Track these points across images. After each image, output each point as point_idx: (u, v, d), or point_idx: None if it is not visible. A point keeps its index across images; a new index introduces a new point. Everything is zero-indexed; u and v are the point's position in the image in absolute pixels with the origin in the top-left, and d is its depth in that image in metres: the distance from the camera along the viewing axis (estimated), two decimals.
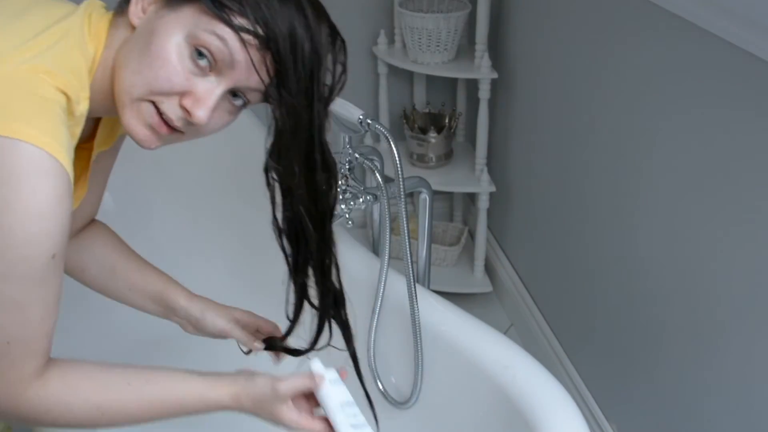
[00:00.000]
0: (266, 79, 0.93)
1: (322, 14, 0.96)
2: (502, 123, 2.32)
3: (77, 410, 0.95)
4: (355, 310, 1.70)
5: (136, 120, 0.94)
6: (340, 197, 1.58)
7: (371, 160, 1.59)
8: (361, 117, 1.44)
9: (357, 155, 1.59)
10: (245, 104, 0.98)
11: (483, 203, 2.33)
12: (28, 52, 0.88)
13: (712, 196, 1.39)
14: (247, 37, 0.91)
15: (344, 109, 1.47)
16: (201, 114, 0.93)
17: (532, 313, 2.25)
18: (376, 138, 2.44)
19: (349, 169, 1.60)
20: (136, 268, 1.27)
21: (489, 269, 2.49)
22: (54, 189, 0.85)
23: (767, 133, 1.23)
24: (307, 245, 1.03)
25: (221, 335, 1.26)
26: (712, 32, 1.30)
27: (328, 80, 0.98)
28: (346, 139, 1.57)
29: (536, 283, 2.26)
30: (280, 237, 1.04)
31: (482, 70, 2.18)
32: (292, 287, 1.10)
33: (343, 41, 0.99)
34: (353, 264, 1.75)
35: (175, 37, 0.91)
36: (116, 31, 0.97)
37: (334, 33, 0.98)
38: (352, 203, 1.56)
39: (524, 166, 2.23)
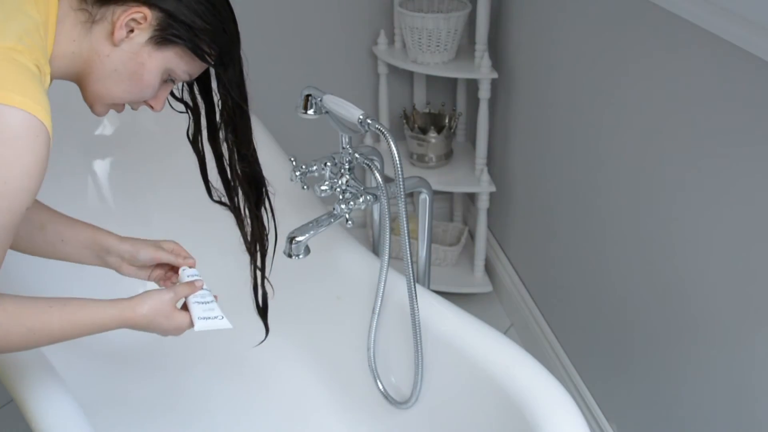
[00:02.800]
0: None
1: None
2: (502, 123, 2.32)
3: (14, 334, 1.11)
4: (355, 310, 1.71)
5: (104, 108, 1.20)
6: (340, 197, 1.58)
7: (371, 160, 1.59)
8: (361, 117, 1.44)
9: (357, 155, 1.59)
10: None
11: (483, 203, 2.33)
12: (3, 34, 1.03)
13: (713, 196, 1.39)
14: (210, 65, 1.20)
15: (344, 109, 1.47)
16: (159, 109, 1.23)
17: (531, 313, 2.25)
18: (376, 138, 2.44)
19: (349, 169, 1.60)
20: (64, 221, 1.37)
21: (489, 269, 2.49)
22: (42, 151, 1.01)
23: (767, 132, 1.23)
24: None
25: (153, 262, 1.37)
26: (712, 32, 1.30)
27: None
28: (346, 139, 1.57)
29: (536, 283, 2.26)
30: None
31: (482, 70, 2.18)
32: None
33: None
34: (353, 264, 1.75)
35: (160, 70, 1.17)
36: (81, 24, 1.12)
37: None
38: (352, 203, 1.56)
39: (524, 166, 2.23)
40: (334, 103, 1.50)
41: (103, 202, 2.02)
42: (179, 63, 1.17)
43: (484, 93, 2.20)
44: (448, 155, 2.40)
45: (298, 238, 1.51)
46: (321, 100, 1.53)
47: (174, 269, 1.38)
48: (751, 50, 1.21)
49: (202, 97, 1.29)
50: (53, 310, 1.13)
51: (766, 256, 1.28)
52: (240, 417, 1.76)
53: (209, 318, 1.24)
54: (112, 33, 1.12)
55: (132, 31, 1.13)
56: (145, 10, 1.11)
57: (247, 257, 1.39)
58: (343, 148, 1.58)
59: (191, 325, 1.24)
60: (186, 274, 1.32)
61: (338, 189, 1.60)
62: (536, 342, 2.20)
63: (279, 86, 2.33)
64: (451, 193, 2.67)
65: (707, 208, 1.41)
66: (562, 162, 1.97)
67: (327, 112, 1.53)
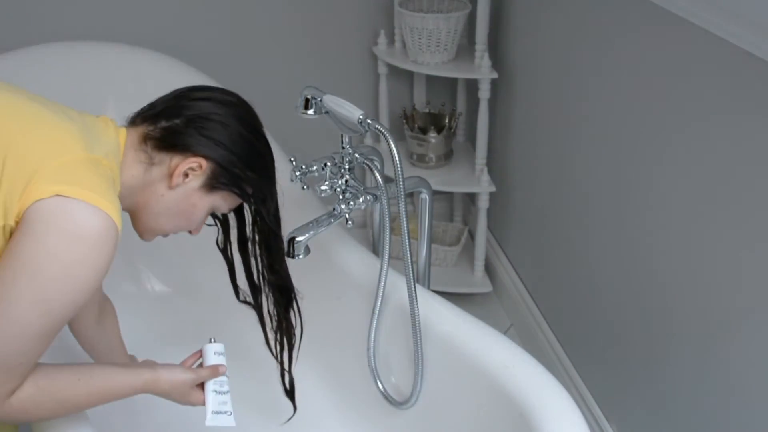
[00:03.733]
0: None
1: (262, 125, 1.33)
2: (502, 123, 2.32)
3: (44, 408, 1.17)
4: (355, 310, 1.71)
5: (151, 236, 1.31)
6: (340, 197, 1.58)
7: (371, 160, 1.59)
8: (361, 117, 1.44)
9: (357, 155, 1.59)
10: None
11: (483, 203, 2.33)
12: (89, 147, 1.14)
13: (713, 196, 1.39)
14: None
15: (344, 109, 1.47)
16: (196, 234, 1.34)
17: (531, 313, 2.25)
18: (376, 138, 2.44)
19: (349, 169, 1.60)
20: (111, 337, 1.53)
21: (489, 269, 2.49)
22: (113, 252, 1.09)
23: (766, 132, 1.23)
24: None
25: None
26: (712, 32, 1.30)
27: None
28: (346, 139, 1.57)
29: (536, 283, 2.26)
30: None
31: (482, 70, 2.18)
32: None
33: None
34: (353, 264, 1.75)
35: (207, 210, 1.29)
36: (140, 163, 1.23)
37: None
38: (352, 203, 1.56)
39: (524, 166, 2.23)
40: (334, 103, 1.50)
41: None
42: (224, 202, 1.29)
43: (484, 93, 2.20)
44: (448, 155, 2.40)
45: (298, 238, 1.51)
46: (321, 100, 1.53)
47: None
48: (750, 50, 1.22)
49: (235, 213, 1.40)
50: (81, 383, 1.20)
51: (764, 257, 1.28)
52: (240, 417, 1.76)
53: (221, 413, 1.33)
54: (169, 177, 1.23)
55: (187, 176, 1.23)
56: (201, 160, 1.23)
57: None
58: (343, 148, 1.58)
59: (202, 404, 1.32)
60: (212, 350, 1.36)
61: (338, 189, 1.60)
62: (536, 342, 2.20)
63: (279, 86, 2.33)
64: (451, 193, 2.67)
65: (707, 208, 1.41)
66: (562, 162, 1.97)
67: (327, 112, 1.53)
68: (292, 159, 1.62)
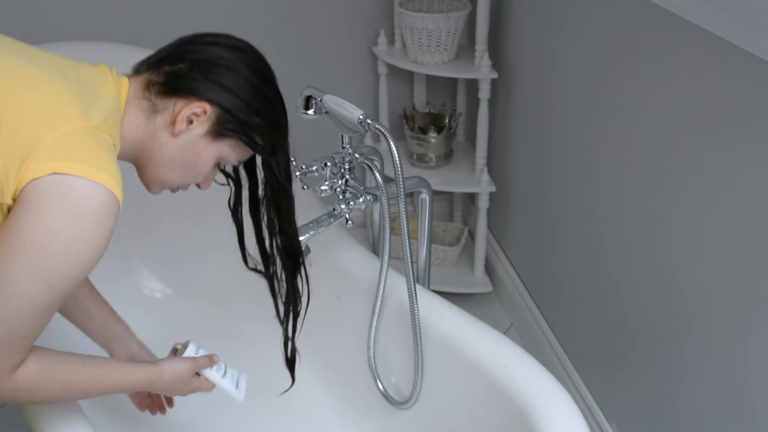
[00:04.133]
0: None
1: (275, 75, 1.29)
2: (502, 123, 2.32)
3: (49, 390, 1.16)
4: (355, 310, 1.71)
5: (160, 189, 1.27)
6: (340, 197, 1.58)
7: (371, 160, 1.59)
8: (361, 117, 1.44)
9: (357, 155, 1.59)
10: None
11: (483, 203, 2.33)
12: (87, 112, 1.10)
13: (713, 196, 1.39)
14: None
15: (344, 109, 1.47)
16: (206, 188, 1.29)
17: (532, 313, 2.25)
18: (376, 138, 2.44)
19: (349, 169, 1.60)
20: (94, 297, 1.47)
21: (489, 269, 2.49)
22: (113, 226, 1.07)
23: (766, 132, 1.23)
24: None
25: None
26: (712, 32, 1.30)
27: None
28: (346, 139, 1.57)
29: (536, 283, 2.26)
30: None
31: (482, 70, 2.18)
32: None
33: None
34: (353, 264, 1.75)
35: (214, 159, 1.23)
36: (143, 112, 1.19)
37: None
38: (352, 203, 1.56)
39: (524, 166, 2.23)
40: (334, 103, 1.50)
41: None
42: (232, 152, 1.23)
43: (484, 93, 2.20)
44: (448, 155, 2.40)
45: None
46: (321, 100, 1.53)
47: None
48: (751, 50, 1.22)
49: (246, 173, 1.35)
50: (86, 370, 1.20)
51: (764, 256, 1.28)
52: (239, 416, 1.76)
53: (239, 387, 1.40)
54: (172, 124, 1.18)
55: (191, 122, 1.18)
56: (206, 105, 1.17)
57: (250, 258, 1.43)
58: (343, 148, 1.58)
59: (208, 389, 1.36)
60: (192, 351, 1.37)
61: (338, 189, 1.60)
62: (536, 342, 2.20)
63: (279, 86, 2.32)
64: (451, 193, 2.67)
65: (707, 208, 1.41)
66: (562, 162, 1.97)
67: (327, 112, 1.53)
68: (292, 159, 1.61)
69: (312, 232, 1.53)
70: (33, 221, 1.03)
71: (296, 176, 1.60)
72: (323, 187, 1.59)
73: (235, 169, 1.35)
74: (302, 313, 1.44)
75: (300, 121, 1.68)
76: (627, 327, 1.75)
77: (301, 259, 1.40)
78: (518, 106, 2.22)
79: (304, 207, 1.80)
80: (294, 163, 1.61)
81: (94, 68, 1.20)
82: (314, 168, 1.60)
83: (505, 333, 2.13)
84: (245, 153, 1.25)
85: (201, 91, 1.17)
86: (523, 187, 2.26)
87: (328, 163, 1.60)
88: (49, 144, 1.04)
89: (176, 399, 1.45)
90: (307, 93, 1.55)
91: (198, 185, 1.28)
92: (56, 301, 1.08)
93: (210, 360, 1.35)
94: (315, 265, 1.69)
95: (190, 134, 1.19)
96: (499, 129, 2.35)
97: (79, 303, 1.44)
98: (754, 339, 1.34)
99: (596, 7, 1.71)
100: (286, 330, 1.43)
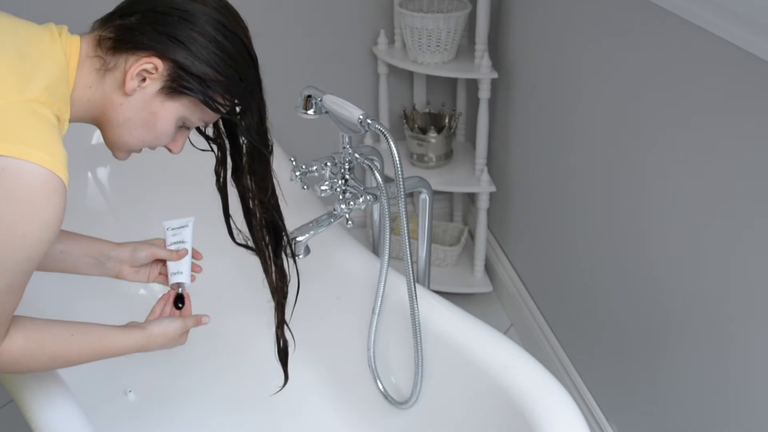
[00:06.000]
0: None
1: (245, 28, 1.22)
2: (502, 123, 2.32)
3: (36, 360, 1.16)
4: (355, 310, 1.71)
5: (125, 154, 1.20)
6: (340, 197, 1.58)
7: (371, 160, 1.59)
8: (361, 117, 1.44)
9: (357, 155, 1.59)
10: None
11: (483, 203, 2.33)
12: (23, 84, 1.02)
13: (712, 196, 1.39)
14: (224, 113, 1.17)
15: (344, 109, 1.47)
16: (177, 152, 1.23)
17: (532, 313, 2.25)
18: (376, 138, 2.44)
19: (349, 169, 1.60)
20: (63, 234, 1.38)
21: (489, 269, 2.49)
22: (59, 204, 1.01)
23: (766, 132, 1.23)
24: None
25: (151, 258, 1.42)
26: (712, 32, 1.30)
27: None
28: (346, 139, 1.57)
29: (536, 283, 2.26)
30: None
31: (482, 70, 2.18)
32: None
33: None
34: (353, 264, 1.75)
35: (173, 119, 1.15)
36: (96, 71, 1.12)
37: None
38: (352, 203, 1.56)
39: (524, 166, 2.23)
40: (334, 103, 1.50)
41: (104, 205, 2.02)
42: (192, 112, 1.16)
43: (484, 93, 2.20)
44: (448, 155, 2.40)
45: (298, 238, 1.51)
46: (321, 100, 1.53)
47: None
48: (751, 50, 1.22)
49: (227, 136, 1.27)
50: (74, 339, 1.18)
51: (763, 257, 1.28)
52: (240, 416, 1.76)
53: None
54: (123, 82, 1.11)
55: (144, 80, 1.11)
56: (157, 61, 1.10)
57: (248, 258, 1.40)
58: (343, 148, 1.58)
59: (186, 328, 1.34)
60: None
61: (338, 189, 1.60)
62: (536, 342, 2.20)
63: (279, 86, 2.32)
64: (451, 193, 2.67)
65: (707, 208, 1.41)
66: (562, 162, 1.97)
67: (327, 112, 1.53)
68: (292, 159, 1.62)
69: (312, 232, 1.53)
70: None
71: (296, 176, 1.60)
72: (323, 187, 1.59)
73: (218, 131, 1.27)
74: (293, 299, 1.39)
75: (300, 121, 1.69)
76: (627, 327, 1.75)
77: (284, 237, 1.33)
78: (518, 106, 2.22)
79: (305, 207, 1.81)
80: (294, 163, 1.61)
81: (40, 29, 1.12)
82: (314, 168, 1.60)
83: (505, 333, 2.13)
84: (207, 113, 1.17)
85: (150, 45, 1.09)
86: (523, 187, 2.26)
87: (328, 163, 1.60)
88: None
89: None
90: (307, 93, 1.55)
91: (169, 149, 1.21)
92: (19, 281, 1.05)
93: (198, 320, 1.35)
94: (315, 266, 1.69)
95: (143, 93, 1.12)
96: (499, 129, 2.35)
97: (53, 250, 1.36)
98: (755, 339, 1.34)
99: (596, 7, 1.71)
100: (276, 317, 1.39)
